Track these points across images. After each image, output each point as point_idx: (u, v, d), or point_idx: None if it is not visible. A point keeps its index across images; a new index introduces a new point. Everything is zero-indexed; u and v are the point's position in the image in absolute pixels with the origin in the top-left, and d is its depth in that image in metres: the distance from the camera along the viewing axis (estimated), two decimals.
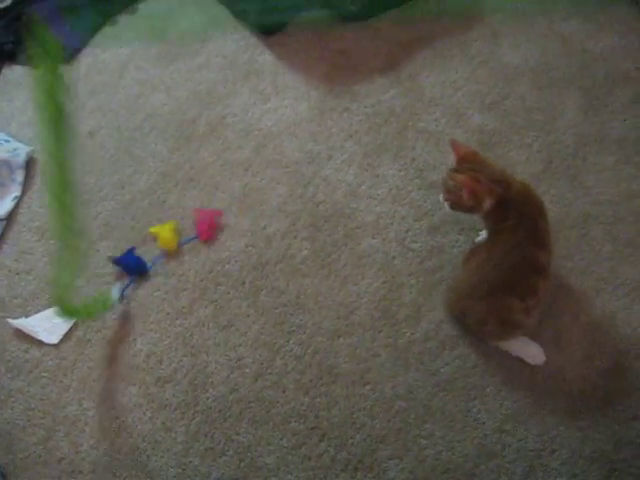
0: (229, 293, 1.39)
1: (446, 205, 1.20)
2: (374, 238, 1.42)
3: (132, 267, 1.42)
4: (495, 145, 1.53)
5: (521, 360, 1.23)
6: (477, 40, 1.76)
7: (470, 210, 1.17)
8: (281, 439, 1.23)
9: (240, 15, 1.84)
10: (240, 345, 1.33)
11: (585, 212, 1.43)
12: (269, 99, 1.67)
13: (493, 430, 1.20)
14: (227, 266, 1.42)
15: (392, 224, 1.44)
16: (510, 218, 1.14)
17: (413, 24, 1.77)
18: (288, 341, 1.32)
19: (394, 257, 1.39)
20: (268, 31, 1.80)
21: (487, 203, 1.15)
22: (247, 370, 1.30)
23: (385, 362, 1.28)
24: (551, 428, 1.19)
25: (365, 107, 1.63)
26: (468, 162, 1.19)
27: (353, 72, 1.69)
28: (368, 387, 1.26)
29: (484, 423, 1.21)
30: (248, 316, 1.36)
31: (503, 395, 1.23)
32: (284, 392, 1.27)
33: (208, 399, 1.28)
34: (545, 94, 1.63)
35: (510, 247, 1.14)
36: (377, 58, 1.71)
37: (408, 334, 1.30)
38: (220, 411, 1.27)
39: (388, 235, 1.42)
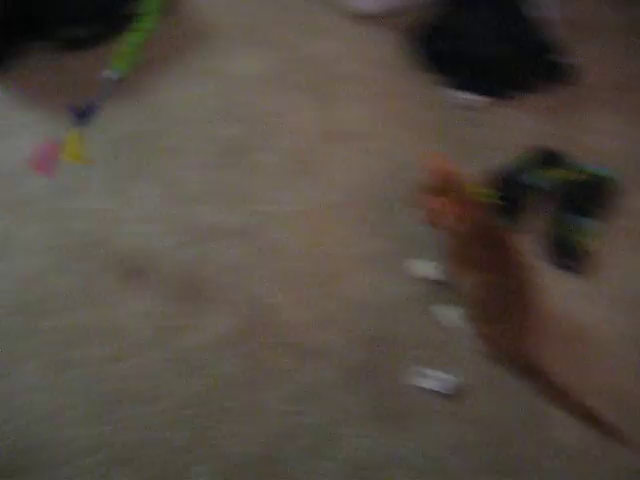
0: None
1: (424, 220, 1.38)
2: (143, 260, 1.53)
3: None
4: (244, 152, 1.73)
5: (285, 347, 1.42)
6: (212, 56, 1.95)
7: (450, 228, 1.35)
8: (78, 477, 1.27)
9: None
10: (19, 392, 1.35)
11: (337, 202, 1.66)
12: (5, 137, 1.70)
13: (280, 413, 1.35)
14: None
15: (161, 242, 1.57)
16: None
17: (149, 46, 1.91)
18: (69, 375, 1.37)
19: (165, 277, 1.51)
20: None
21: (468, 224, 1.33)
22: (30, 416, 1.33)
23: (171, 375, 1.38)
24: (334, 398, 1.37)
25: (112, 133, 1.73)
26: (446, 182, 1.35)
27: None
28: (159, 402, 1.35)
29: (277, 410, 1.36)
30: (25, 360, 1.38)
31: (283, 380, 1.39)
32: (73, 428, 1.32)
33: None
34: (281, 99, 1.87)
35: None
36: None
37: (188, 344, 1.43)
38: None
39: (154, 254, 1.54)
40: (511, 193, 1.66)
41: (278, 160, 1.73)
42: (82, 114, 1.39)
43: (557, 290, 1.53)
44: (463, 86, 1.92)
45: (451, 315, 1.44)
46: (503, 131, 1.87)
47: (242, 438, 1.31)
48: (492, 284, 1.32)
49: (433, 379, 1.37)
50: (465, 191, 1.36)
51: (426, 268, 1.50)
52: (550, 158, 1.75)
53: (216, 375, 1.38)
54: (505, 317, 1.33)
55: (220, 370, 1.39)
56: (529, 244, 1.62)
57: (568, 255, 1.59)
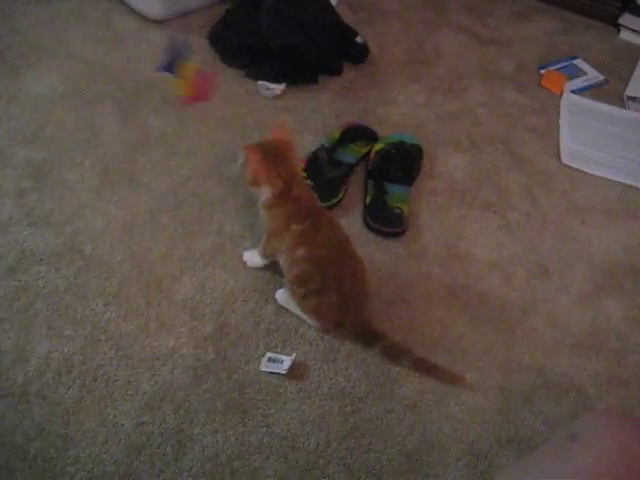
0: None
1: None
2: None
3: None
4: (48, 173, 1.67)
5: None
6: (1, 76, 1.86)
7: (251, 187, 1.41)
8: None
9: None
10: None
11: (150, 208, 1.66)
12: None
13: (133, 426, 1.34)
14: None
15: None
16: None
17: None
18: None
19: None
20: None
21: (265, 190, 1.38)
22: None
23: (5, 413, 1.32)
24: (183, 400, 1.38)
25: None
26: (274, 147, 1.40)
27: None
28: None
29: (123, 425, 1.34)
30: None
31: (131, 392, 1.37)
32: None
33: None
34: (82, 114, 1.83)
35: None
36: None
37: (20, 377, 1.36)
38: None
39: None
40: (326, 171, 1.73)
41: (84, 176, 1.69)
42: None
43: (380, 256, 1.63)
44: (262, 76, 1.98)
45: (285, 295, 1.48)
46: (308, 115, 1.96)
47: (88, 461, 1.27)
48: (309, 258, 1.37)
49: (274, 362, 1.40)
50: (289, 160, 1.42)
51: (255, 257, 1.53)
52: (358, 133, 1.85)
53: (55, 403, 1.32)
54: (327, 289, 1.38)
55: (59, 397, 1.33)
56: (351, 217, 1.69)
57: (385, 221, 1.68)
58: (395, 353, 1.42)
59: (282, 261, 1.44)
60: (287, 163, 1.40)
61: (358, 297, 1.43)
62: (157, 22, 2.16)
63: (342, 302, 1.39)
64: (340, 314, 1.41)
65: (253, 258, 1.53)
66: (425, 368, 1.41)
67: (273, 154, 1.39)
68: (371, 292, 1.48)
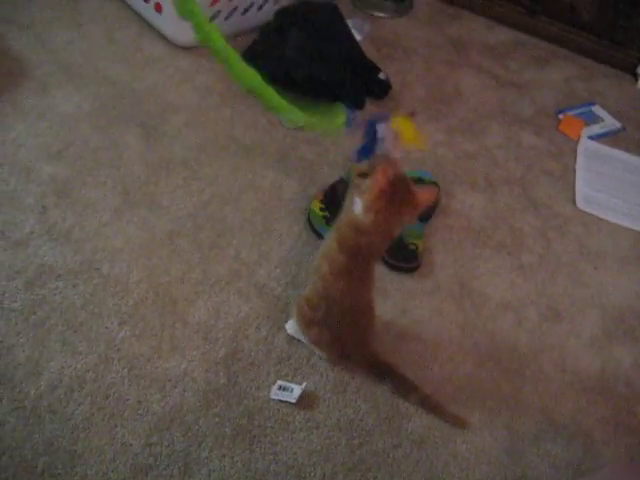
0: None
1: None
2: None
3: None
4: (71, 190, 1.70)
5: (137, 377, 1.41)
6: (28, 95, 1.90)
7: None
8: None
9: None
10: None
11: (169, 230, 1.69)
12: None
13: (142, 447, 1.35)
14: None
15: None
16: None
17: None
18: None
19: None
20: None
21: (359, 214, 1.28)
22: None
23: (16, 427, 1.33)
24: (192, 423, 1.39)
25: None
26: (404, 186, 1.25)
27: None
28: (5, 457, 1.29)
29: (132, 444, 1.35)
30: None
31: (141, 412, 1.39)
32: None
33: None
34: (107, 134, 1.86)
35: None
36: None
37: (32, 391, 1.38)
38: None
39: None
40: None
41: (106, 195, 1.72)
42: None
43: (393, 290, 1.64)
44: None
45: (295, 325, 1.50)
46: (328, 147, 1.99)
47: (95, 479, 1.28)
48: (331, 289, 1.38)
49: (284, 390, 1.41)
50: (402, 216, 1.29)
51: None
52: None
53: (65, 418, 1.33)
54: (330, 320, 1.40)
55: (70, 413, 1.35)
56: None
57: (400, 257, 1.70)
58: (404, 388, 1.43)
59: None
60: (399, 216, 1.28)
61: (367, 332, 1.44)
62: (185, 48, 2.20)
63: (350, 337, 1.41)
64: (343, 347, 1.42)
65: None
66: (431, 407, 1.42)
67: (399, 194, 1.25)
68: (379, 326, 1.49)
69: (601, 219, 2.00)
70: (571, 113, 2.37)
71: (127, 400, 1.38)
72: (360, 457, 1.37)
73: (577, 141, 2.26)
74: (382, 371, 1.45)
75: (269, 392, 1.43)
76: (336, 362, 1.48)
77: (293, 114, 1.50)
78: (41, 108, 1.90)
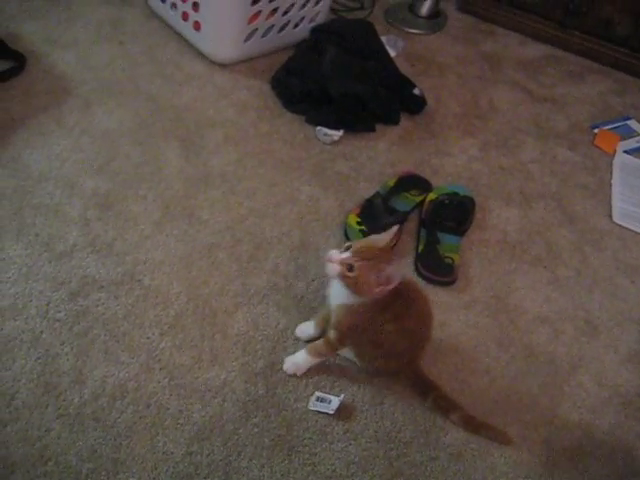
0: None
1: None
2: (15, 320, 1.50)
3: None
4: (113, 204, 1.74)
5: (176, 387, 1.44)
6: (72, 112, 1.96)
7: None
8: None
9: None
10: None
11: (208, 243, 1.72)
12: None
13: (182, 455, 1.37)
14: None
15: (31, 301, 1.53)
16: None
17: (4, 106, 1.91)
18: None
19: (42, 332, 1.49)
20: None
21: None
22: None
23: (61, 433, 1.36)
24: (232, 433, 1.41)
25: None
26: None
27: None
28: (50, 463, 1.32)
29: (173, 453, 1.37)
30: None
31: (182, 422, 1.41)
32: None
33: None
34: (147, 149, 1.91)
35: None
36: None
37: (77, 399, 1.41)
38: None
39: (29, 313, 1.51)
40: (381, 218, 1.78)
41: (147, 208, 1.76)
42: None
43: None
44: (321, 122, 2.04)
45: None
46: (364, 162, 2.02)
47: None
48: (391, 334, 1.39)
49: (322, 401, 1.43)
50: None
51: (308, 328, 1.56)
52: (413, 182, 1.90)
53: (108, 426, 1.36)
54: (404, 353, 1.42)
55: (112, 421, 1.37)
56: (403, 264, 1.73)
57: (437, 270, 1.71)
58: (446, 407, 1.44)
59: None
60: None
61: (420, 350, 1.45)
62: (223, 65, 2.25)
63: (409, 358, 1.44)
64: (398, 364, 1.43)
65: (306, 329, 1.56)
66: (474, 426, 1.42)
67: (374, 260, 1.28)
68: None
69: (638, 233, 1.99)
70: (606, 128, 2.36)
71: (168, 409, 1.40)
72: (398, 469, 1.37)
73: (613, 155, 2.25)
74: (426, 387, 1.45)
75: (307, 403, 1.44)
76: (374, 375, 1.48)
77: None
78: (84, 124, 1.95)
